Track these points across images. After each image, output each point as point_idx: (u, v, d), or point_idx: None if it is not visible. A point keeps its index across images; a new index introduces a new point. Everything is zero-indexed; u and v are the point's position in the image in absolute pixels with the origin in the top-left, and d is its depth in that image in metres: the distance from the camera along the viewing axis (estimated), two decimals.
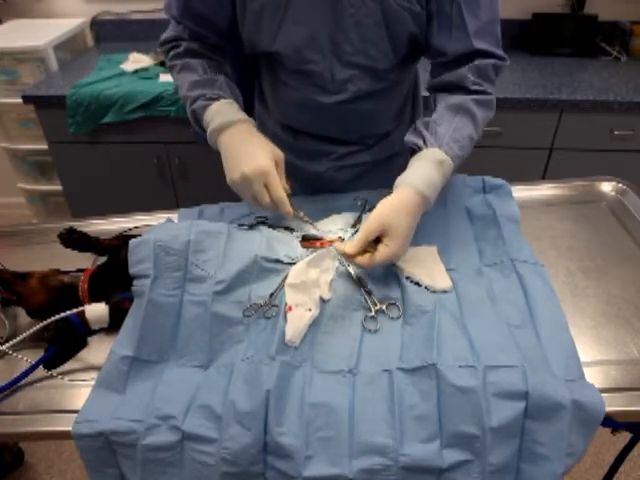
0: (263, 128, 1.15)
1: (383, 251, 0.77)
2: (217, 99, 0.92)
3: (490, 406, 0.63)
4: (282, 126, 1.10)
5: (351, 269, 0.83)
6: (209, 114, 0.91)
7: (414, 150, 0.86)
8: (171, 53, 0.99)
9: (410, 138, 0.88)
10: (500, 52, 0.90)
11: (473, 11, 0.85)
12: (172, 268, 0.80)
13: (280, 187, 0.85)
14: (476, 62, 0.88)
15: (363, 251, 0.78)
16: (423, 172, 0.82)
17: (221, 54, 1.02)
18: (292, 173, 1.04)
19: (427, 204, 0.81)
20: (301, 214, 0.90)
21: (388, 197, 0.80)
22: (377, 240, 0.79)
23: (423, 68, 1.10)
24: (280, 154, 0.89)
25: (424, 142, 0.85)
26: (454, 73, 0.89)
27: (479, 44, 0.87)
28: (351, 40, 0.89)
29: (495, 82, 0.92)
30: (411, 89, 1.12)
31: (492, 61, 0.89)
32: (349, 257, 0.79)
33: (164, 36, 1.00)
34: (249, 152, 0.86)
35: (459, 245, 0.89)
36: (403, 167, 0.85)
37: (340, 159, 1.09)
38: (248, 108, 1.19)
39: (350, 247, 0.79)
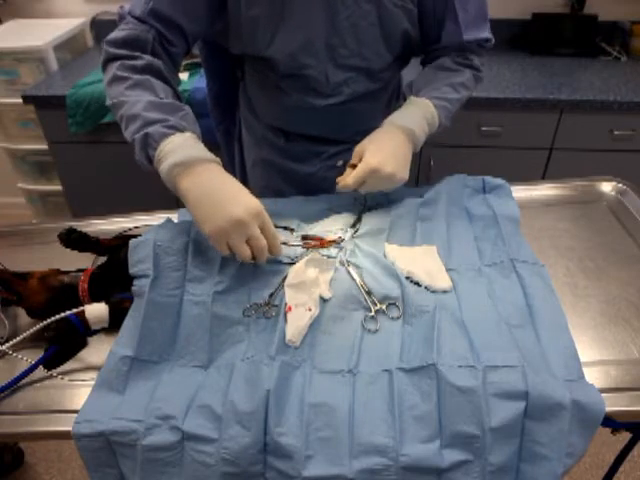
0: (251, 132, 1.15)
1: (360, 165, 0.86)
2: (180, 130, 0.78)
3: (490, 406, 0.63)
4: (272, 129, 1.09)
5: (351, 269, 0.83)
6: (168, 145, 0.77)
7: None
8: (126, 63, 0.83)
9: (397, 103, 0.99)
10: (485, 34, 0.97)
11: (463, 5, 0.90)
12: (172, 268, 0.80)
13: (272, 226, 0.77)
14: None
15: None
16: (396, 112, 0.93)
17: (177, 75, 0.92)
18: (283, 175, 1.05)
19: (402, 127, 0.89)
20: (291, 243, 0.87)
21: None
22: None
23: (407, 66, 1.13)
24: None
25: (404, 99, 0.95)
26: (439, 52, 1.00)
27: (469, 36, 0.94)
28: (346, 43, 0.90)
29: (481, 54, 1.01)
30: (396, 86, 1.14)
31: (476, 43, 0.97)
32: (340, 184, 0.90)
33: (116, 35, 0.85)
34: (234, 193, 0.76)
35: (459, 245, 0.89)
36: None
37: (331, 158, 1.10)
38: (231, 113, 1.19)
39: (340, 177, 0.91)
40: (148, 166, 0.81)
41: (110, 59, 0.85)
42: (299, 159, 1.10)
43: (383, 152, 0.87)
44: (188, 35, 0.88)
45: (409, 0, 0.88)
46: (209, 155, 0.79)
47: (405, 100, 0.96)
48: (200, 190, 0.75)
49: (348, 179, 0.88)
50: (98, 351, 0.80)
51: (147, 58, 0.84)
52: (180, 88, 0.92)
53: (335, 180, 1.11)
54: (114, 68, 0.83)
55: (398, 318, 0.78)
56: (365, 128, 1.10)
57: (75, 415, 0.69)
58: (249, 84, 1.08)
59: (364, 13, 0.87)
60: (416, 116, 0.91)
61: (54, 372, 0.77)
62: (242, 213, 0.73)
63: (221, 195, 0.75)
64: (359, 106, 1.01)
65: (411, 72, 1.07)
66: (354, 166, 0.89)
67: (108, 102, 0.85)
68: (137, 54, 0.84)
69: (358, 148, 0.90)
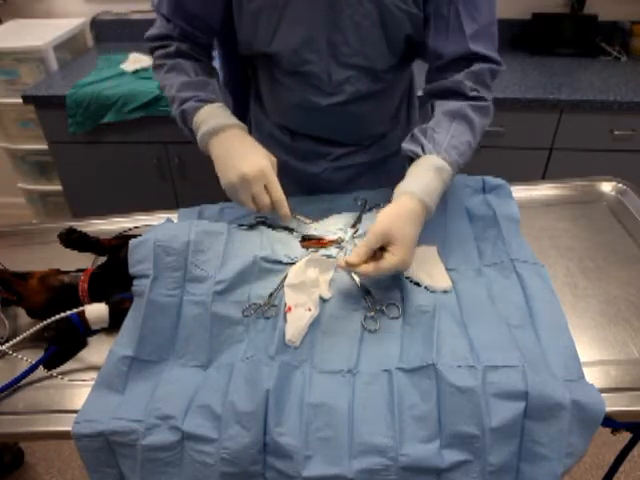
0: (259, 129, 1.15)
1: (391, 259, 0.74)
2: (209, 102, 0.91)
3: (490, 406, 0.63)
4: (279, 127, 1.10)
5: None
6: (200, 116, 0.89)
7: (412, 158, 0.85)
8: (160, 52, 0.97)
9: (408, 146, 0.86)
10: (496, 56, 0.89)
11: (470, 14, 0.85)
12: (172, 268, 0.80)
13: (280, 188, 0.85)
14: (473, 67, 0.87)
15: (366, 261, 0.76)
16: (422, 180, 0.80)
17: (209, 56, 1.02)
18: (289, 174, 1.04)
19: (428, 212, 0.80)
20: (298, 216, 0.90)
21: (390, 205, 0.79)
22: (381, 250, 0.76)
23: (418, 67, 1.10)
24: (274, 159, 0.88)
25: (422, 149, 0.83)
26: (451, 80, 0.88)
27: (476, 47, 0.86)
28: (348, 41, 0.89)
29: (491, 87, 0.91)
30: (406, 89, 1.12)
31: (488, 66, 0.88)
32: (352, 267, 0.75)
33: (151, 32, 0.98)
34: (246, 153, 0.85)
35: (459, 245, 0.89)
36: (399, 167, 0.85)
37: (337, 160, 1.09)
38: (243, 109, 1.19)
39: (353, 257, 0.75)
40: (192, 137, 0.93)
41: (151, 50, 1.00)
42: (305, 158, 1.10)
43: (412, 248, 0.77)
44: (211, 25, 0.95)
45: (413, 5, 0.85)
46: (234, 121, 0.89)
47: (421, 107, 0.90)
48: (222, 152, 0.87)
49: (368, 268, 0.75)
50: (98, 351, 0.80)
51: (176, 44, 0.96)
52: None
53: (338, 181, 1.11)
54: (154, 58, 0.99)
55: (398, 318, 0.78)
56: (371, 133, 1.09)
57: (75, 415, 0.69)
58: (260, 81, 1.09)
59: (366, 12, 0.86)
60: (438, 191, 0.81)
61: (54, 372, 0.77)
62: (246, 170, 0.82)
63: (236, 154, 0.85)
64: (362, 108, 1.01)
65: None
66: (378, 252, 0.77)
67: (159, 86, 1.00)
68: (168, 43, 0.96)
69: (382, 230, 0.75)
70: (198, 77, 0.94)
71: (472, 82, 0.87)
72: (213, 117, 0.88)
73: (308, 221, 0.91)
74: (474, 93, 0.87)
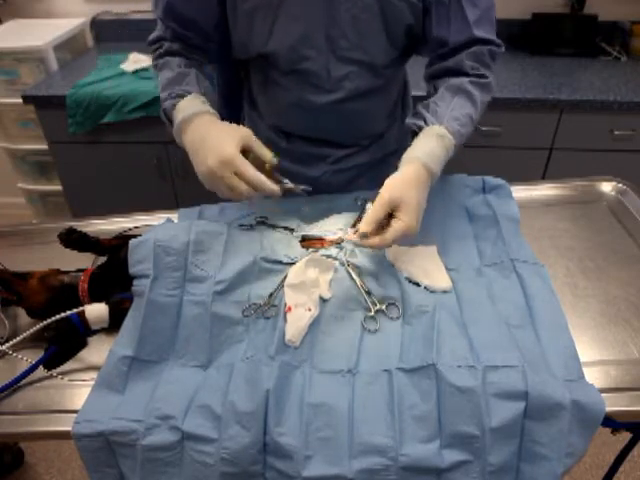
0: (255, 132, 1.15)
1: (397, 225, 0.76)
2: (184, 96, 0.88)
3: (490, 406, 0.63)
4: (275, 130, 1.09)
5: (351, 269, 0.83)
6: (177, 111, 0.87)
7: (415, 132, 0.88)
8: (155, 54, 0.98)
9: (411, 120, 0.89)
10: (496, 39, 0.92)
11: (471, 0, 0.87)
12: (172, 268, 0.80)
13: (251, 169, 0.79)
14: (472, 49, 0.90)
15: (376, 233, 0.77)
16: (425, 146, 0.83)
17: (202, 55, 1.01)
18: (287, 178, 1.05)
19: (433, 176, 0.82)
20: (289, 185, 0.87)
21: (395, 174, 0.80)
22: (389, 219, 0.78)
23: (411, 68, 1.11)
24: (247, 133, 0.84)
25: (425, 122, 0.86)
26: (451, 60, 0.91)
27: (479, 32, 0.89)
28: (347, 35, 0.89)
29: (492, 67, 0.94)
30: (401, 88, 1.12)
31: (487, 47, 0.91)
32: (364, 237, 0.77)
33: (151, 36, 0.98)
34: (211, 144, 0.81)
35: (459, 245, 0.89)
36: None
37: (336, 162, 1.09)
38: (237, 112, 1.19)
39: (364, 225, 0.77)
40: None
41: (152, 54, 1.00)
42: (302, 162, 1.09)
43: (419, 213, 0.78)
44: (204, 27, 0.95)
45: None
46: (203, 108, 0.86)
47: (415, 108, 0.91)
48: (192, 144, 0.84)
49: (375, 240, 0.77)
50: (98, 351, 0.80)
51: (167, 44, 0.96)
52: None
53: (337, 183, 1.10)
54: (152, 61, 0.99)
55: (398, 318, 0.78)
56: (369, 132, 1.09)
57: (75, 415, 0.69)
58: (253, 84, 1.08)
59: (365, 5, 0.86)
60: (442, 158, 0.84)
61: (54, 372, 0.77)
62: (211, 163, 0.79)
63: (204, 145, 0.82)
64: (360, 105, 1.01)
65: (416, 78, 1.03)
66: (382, 216, 0.78)
67: None
68: (161, 44, 0.97)
69: (388, 195, 0.77)
70: (179, 69, 0.93)
71: (472, 61, 0.91)
72: (185, 109, 0.86)
73: (296, 187, 0.88)
74: (474, 71, 0.91)
